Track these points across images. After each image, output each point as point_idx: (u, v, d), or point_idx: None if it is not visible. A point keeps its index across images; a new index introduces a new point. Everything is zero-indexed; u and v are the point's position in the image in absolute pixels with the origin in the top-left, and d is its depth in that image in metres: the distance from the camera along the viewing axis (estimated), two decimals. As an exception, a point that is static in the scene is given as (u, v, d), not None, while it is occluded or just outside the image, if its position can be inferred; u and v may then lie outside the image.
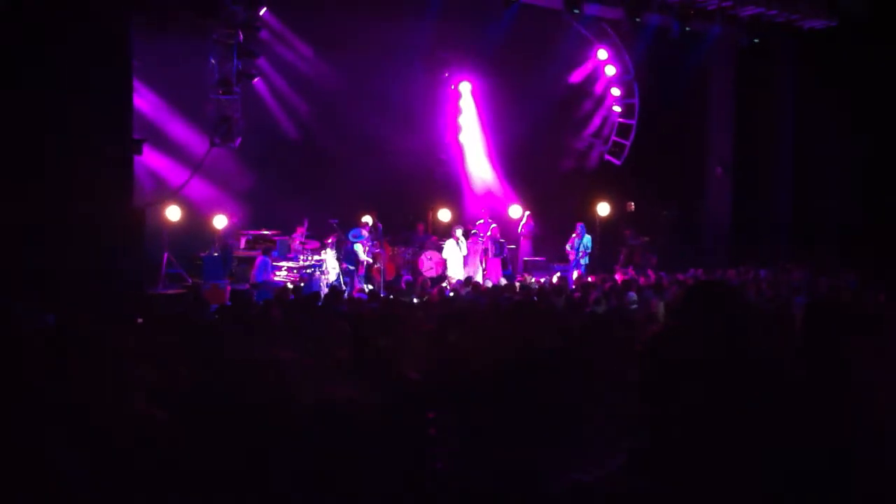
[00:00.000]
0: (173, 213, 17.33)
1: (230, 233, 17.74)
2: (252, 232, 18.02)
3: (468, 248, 19.21)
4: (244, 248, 17.74)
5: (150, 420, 2.69)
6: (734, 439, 2.21)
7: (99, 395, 2.78)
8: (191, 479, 2.53)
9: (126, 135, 13.54)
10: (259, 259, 16.21)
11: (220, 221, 17.54)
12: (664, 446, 2.26)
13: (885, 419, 2.39)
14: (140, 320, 8.59)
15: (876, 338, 3.24)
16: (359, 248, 17.48)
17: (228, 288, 15.64)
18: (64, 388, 2.82)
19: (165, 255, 17.02)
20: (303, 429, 2.50)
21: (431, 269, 19.26)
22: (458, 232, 19.23)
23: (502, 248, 19.72)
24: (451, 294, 13.40)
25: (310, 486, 2.38)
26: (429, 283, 15.87)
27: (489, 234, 19.68)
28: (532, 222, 20.96)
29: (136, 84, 15.64)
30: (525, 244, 20.83)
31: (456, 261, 19.01)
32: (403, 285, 15.75)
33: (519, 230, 20.87)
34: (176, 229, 17.45)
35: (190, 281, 16.97)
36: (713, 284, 3.20)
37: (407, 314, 8.93)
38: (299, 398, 2.75)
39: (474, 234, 19.65)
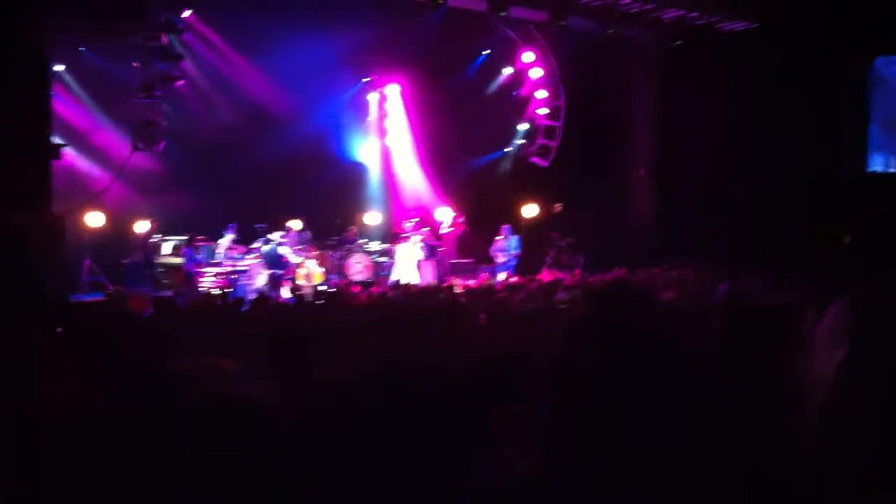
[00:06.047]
0: (94, 218, 17.00)
1: (149, 237, 17.45)
2: (177, 238, 17.77)
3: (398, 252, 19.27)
4: (170, 254, 17.49)
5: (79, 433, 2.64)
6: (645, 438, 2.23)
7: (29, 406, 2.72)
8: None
9: (45, 140, 13.24)
10: (181, 250, 16.09)
11: (141, 227, 17.24)
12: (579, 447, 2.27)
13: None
14: (60, 329, 8.38)
15: (789, 339, 3.32)
16: (284, 250, 17.30)
17: (151, 295, 15.39)
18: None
19: (86, 261, 16.67)
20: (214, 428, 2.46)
21: (360, 272, 19.20)
22: (416, 237, 19.21)
23: (434, 251, 19.75)
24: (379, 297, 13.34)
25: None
26: (353, 286, 15.77)
27: (421, 237, 19.68)
28: (456, 227, 20.98)
29: (57, 88, 15.32)
30: (449, 246, 20.82)
31: (409, 264, 18.98)
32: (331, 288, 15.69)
33: (442, 231, 20.83)
34: (97, 235, 17.12)
35: (112, 288, 16.64)
36: (619, 283, 3.25)
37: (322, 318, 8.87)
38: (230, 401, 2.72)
39: (405, 236, 19.63)
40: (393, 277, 18.36)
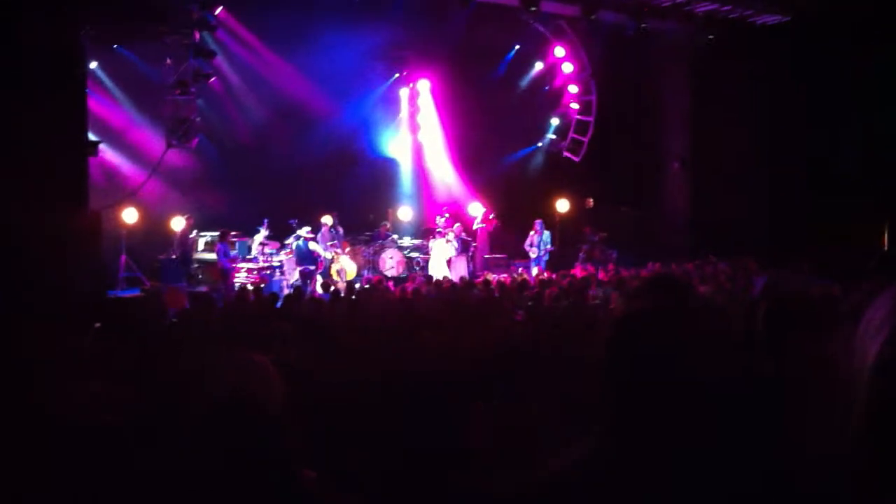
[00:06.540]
0: (130, 215, 17.15)
1: (188, 234, 17.58)
2: (211, 233, 17.89)
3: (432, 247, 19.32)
4: (203, 250, 17.62)
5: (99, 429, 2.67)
6: (692, 438, 2.21)
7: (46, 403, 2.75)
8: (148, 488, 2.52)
9: (81, 137, 13.36)
10: (216, 246, 16.20)
11: (177, 223, 17.38)
12: (625, 441, 2.25)
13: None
14: (98, 325, 8.47)
15: (825, 333, 3.30)
16: (314, 245, 17.34)
17: (187, 291, 15.51)
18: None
19: (123, 257, 16.83)
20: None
21: (393, 268, 19.22)
22: (450, 234, 19.23)
23: (467, 246, 19.75)
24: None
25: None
26: (384, 282, 15.77)
27: (454, 232, 19.67)
28: (488, 222, 20.96)
29: (91, 86, 15.45)
30: (482, 242, 20.83)
31: (442, 260, 19.05)
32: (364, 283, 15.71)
33: (475, 227, 20.83)
34: (133, 231, 17.27)
35: (148, 284, 16.78)
36: (664, 277, 3.23)
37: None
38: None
39: (440, 231, 19.62)
40: (429, 272, 18.47)
